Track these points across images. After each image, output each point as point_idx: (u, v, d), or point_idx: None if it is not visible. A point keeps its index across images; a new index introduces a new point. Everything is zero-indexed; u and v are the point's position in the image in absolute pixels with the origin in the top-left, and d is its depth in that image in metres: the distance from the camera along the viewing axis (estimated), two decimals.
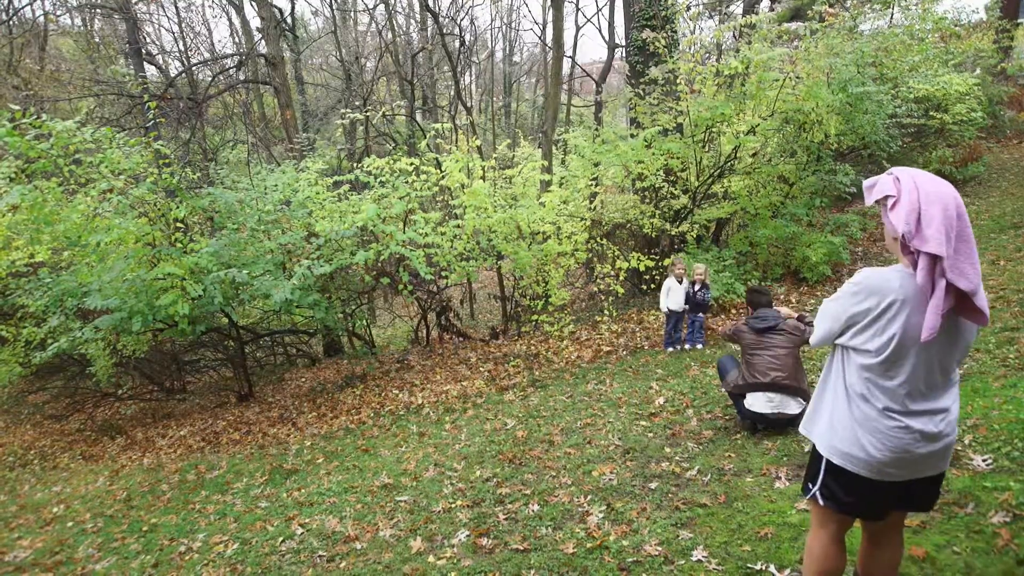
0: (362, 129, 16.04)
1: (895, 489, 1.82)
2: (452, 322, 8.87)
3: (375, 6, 18.22)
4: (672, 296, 6.13)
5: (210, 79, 14.55)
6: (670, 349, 6.27)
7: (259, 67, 15.49)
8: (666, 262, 6.97)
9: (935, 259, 1.61)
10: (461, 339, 8.68)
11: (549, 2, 20.25)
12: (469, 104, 19.27)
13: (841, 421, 1.82)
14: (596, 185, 8.66)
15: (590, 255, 7.93)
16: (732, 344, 4.73)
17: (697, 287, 6.13)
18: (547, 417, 4.94)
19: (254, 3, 12.87)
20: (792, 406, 3.69)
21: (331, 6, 18.29)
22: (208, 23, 35.38)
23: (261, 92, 18.14)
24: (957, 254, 1.60)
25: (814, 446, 1.92)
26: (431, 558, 3.09)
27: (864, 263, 7.81)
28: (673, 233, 7.65)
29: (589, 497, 3.41)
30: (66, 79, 14.65)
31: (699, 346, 6.19)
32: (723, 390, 4.21)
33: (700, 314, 6.20)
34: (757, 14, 8.04)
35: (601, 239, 7.85)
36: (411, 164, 7.69)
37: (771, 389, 3.69)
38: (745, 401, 3.80)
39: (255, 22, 15.30)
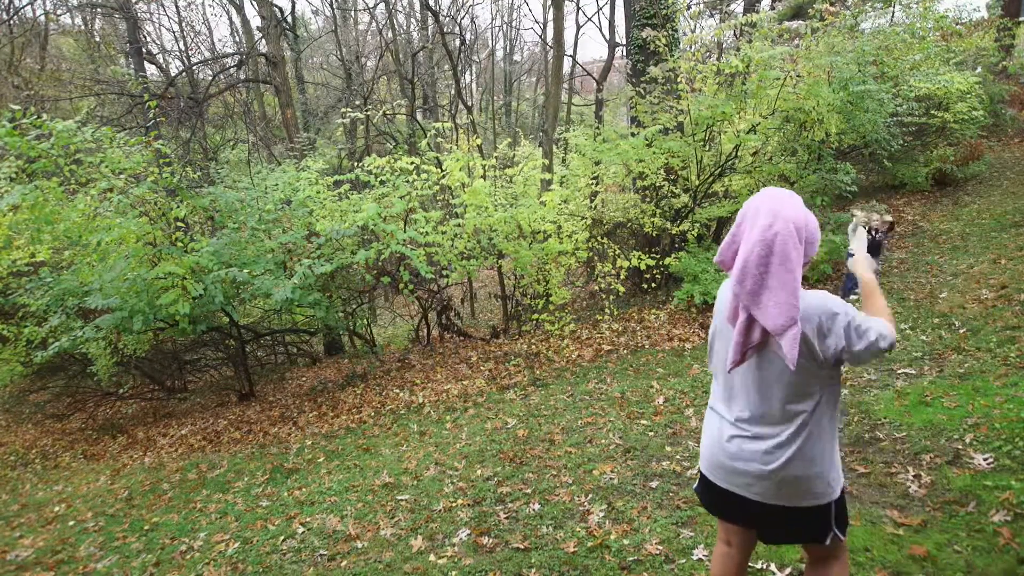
0: (363, 128, 16.03)
1: (731, 499, 1.76)
2: (453, 321, 8.87)
3: (375, 5, 18.20)
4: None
5: (210, 78, 14.55)
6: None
7: (259, 66, 15.48)
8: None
9: (736, 292, 1.61)
10: (462, 338, 8.68)
11: (550, 1, 20.21)
12: (470, 103, 19.27)
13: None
14: (597, 184, 8.65)
15: (591, 254, 7.92)
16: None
17: (876, 233, 6.17)
18: (548, 416, 4.94)
19: (254, 2, 12.88)
20: None
21: (331, 5, 18.28)
22: (208, 22, 35.41)
23: (262, 91, 18.14)
24: (759, 290, 1.55)
25: None
26: (432, 557, 3.10)
27: None
28: (674, 232, 7.65)
29: (590, 496, 3.41)
30: (67, 78, 14.65)
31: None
32: None
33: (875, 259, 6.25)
34: (758, 12, 8.03)
35: (602, 238, 7.84)
36: (412, 163, 7.69)
37: None
38: None
39: (255, 21, 15.32)
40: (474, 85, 27.70)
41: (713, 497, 1.84)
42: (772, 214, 1.57)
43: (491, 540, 3.15)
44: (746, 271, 1.56)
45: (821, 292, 1.62)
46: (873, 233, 6.00)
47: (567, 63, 19.97)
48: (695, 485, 1.94)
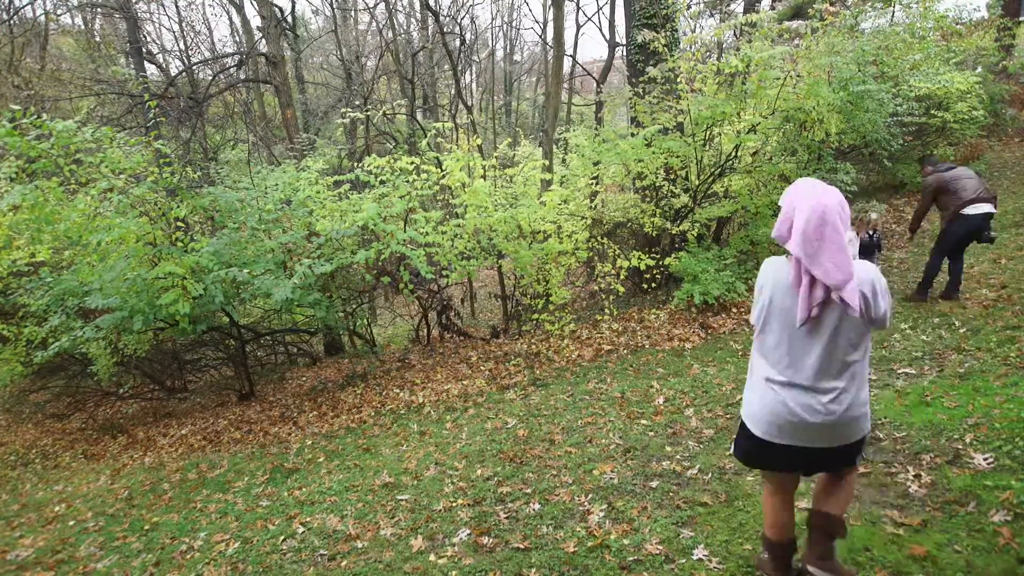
0: (363, 128, 16.03)
1: (794, 453, 2.08)
2: (453, 321, 8.87)
3: (375, 5, 18.19)
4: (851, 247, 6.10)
5: (210, 78, 14.54)
6: None
7: (260, 66, 15.48)
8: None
9: (799, 257, 1.91)
10: (462, 338, 8.68)
11: (550, 1, 20.20)
12: (470, 103, 19.26)
13: (750, 386, 2.18)
14: (596, 184, 8.65)
15: (591, 254, 7.92)
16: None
17: (873, 234, 6.09)
18: (548, 416, 4.94)
19: (254, 2, 12.88)
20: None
21: (331, 5, 18.28)
22: (208, 22, 35.41)
23: (262, 91, 18.14)
24: (818, 253, 1.86)
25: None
26: (432, 557, 3.10)
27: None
28: (674, 232, 7.64)
29: (590, 496, 3.41)
30: (67, 78, 14.65)
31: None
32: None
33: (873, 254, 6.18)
34: (758, 12, 8.03)
35: (602, 238, 7.84)
36: (412, 163, 7.68)
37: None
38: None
39: (255, 21, 15.32)
40: (474, 85, 27.70)
41: (773, 456, 2.12)
42: (818, 193, 1.92)
43: (491, 540, 3.15)
44: (807, 237, 1.87)
45: (863, 261, 1.96)
46: (870, 233, 5.99)
47: (567, 63, 19.97)
48: (736, 452, 2.26)
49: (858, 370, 1.98)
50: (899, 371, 4.44)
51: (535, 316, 7.50)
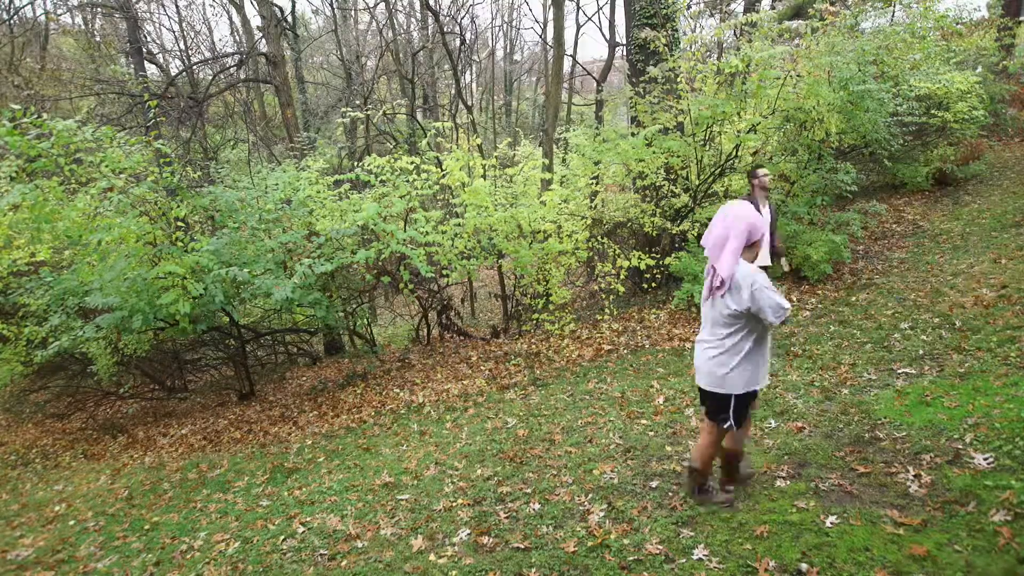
0: (363, 128, 16.03)
1: (701, 390, 2.99)
2: (453, 321, 8.87)
3: (375, 5, 18.18)
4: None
5: (211, 78, 14.54)
6: None
7: (260, 66, 15.48)
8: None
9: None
10: (462, 338, 8.68)
11: (550, 1, 20.22)
12: (470, 103, 19.25)
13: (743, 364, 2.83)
14: (597, 184, 8.64)
15: (591, 254, 7.91)
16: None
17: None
18: (548, 416, 4.94)
19: (254, 2, 12.88)
20: None
21: (331, 5, 18.28)
22: (208, 22, 35.44)
23: (262, 91, 18.14)
24: (719, 255, 2.72)
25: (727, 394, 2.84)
26: (432, 556, 3.10)
27: (865, 261, 7.81)
28: (674, 232, 7.64)
29: (590, 496, 3.41)
30: (67, 78, 14.65)
31: None
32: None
33: None
34: (758, 12, 8.03)
35: (602, 238, 7.83)
36: (412, 163, 7.69)
37: None
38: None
39: (255, 21, 15.31)
40: (474, 85, 27.70)
41: (699, 393, 3.00)
42: (726, 214, 2.73)
43: (491, 540, 3.15)
44: (714, 245, 2.74)
45: (752, 266, 2.70)
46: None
47: (567, 63, 19.96)
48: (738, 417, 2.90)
49: (728, 341, 2.76)
50: (899, 371, 4.44)
51: (535, 316, 7.50)
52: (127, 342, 8.10)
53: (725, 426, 2.84)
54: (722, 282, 2.66)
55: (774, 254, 5.87)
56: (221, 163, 12.70)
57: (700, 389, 2.93)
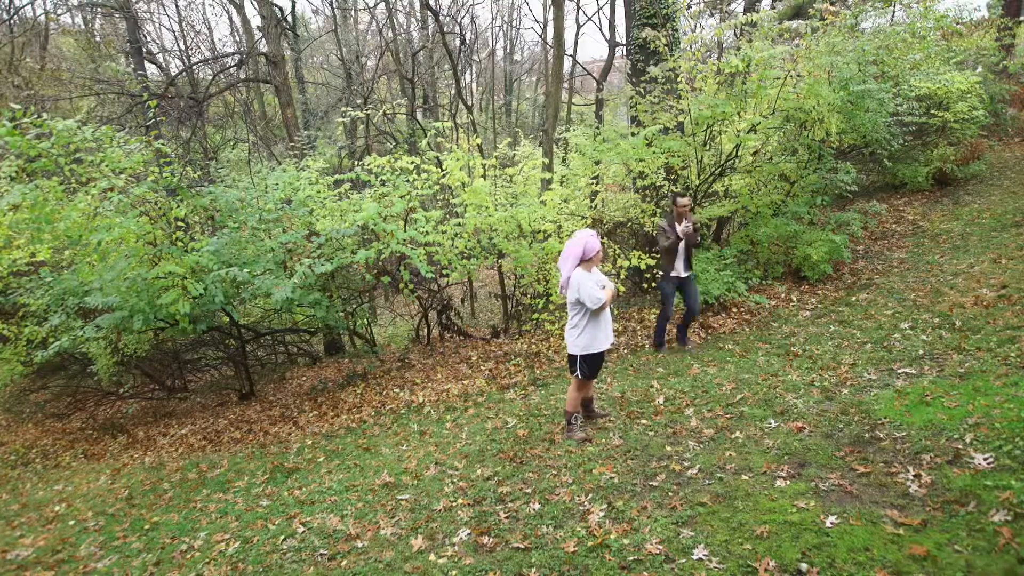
0: (363, 128, 16.04)
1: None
2: (453, 321, 8.87)
3: (375, 5, 18.18)
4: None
5: (211, 78, 14.54)
6: None
7: (260, 66, 15.47)
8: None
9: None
10: (462, 338, 8.68)
11: (550, 1, 20.22)
12: (470, 102, 19.26)
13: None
14: (597, 183, 8.64)
15: None
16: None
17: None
18: (548, 416, 4.94)
19: (254, 2, 12.88)
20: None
21: (332, 5, 18.28)
22: (208, 22, 35.46)
23: (262, 91, 18.14)
24: (564, 265, 3.99)
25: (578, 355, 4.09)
26: (432, 556, 3.10)
27: (865, 261, 7.81)
28: None
29: (590, 496, 3.41)
30: (67, 78, 14.65)
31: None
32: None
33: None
34: (758, 12, 8.02)
35: (602, 237, 7.82)
36: (412, 163, 7.68)
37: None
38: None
39: (256, 21, 15.31)
40: (474, 85, 27.69)
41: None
42: (573, 238, 4.00)
43: (491, 539, 3.15)
44: (563, 258, 3.98)
45: (585, 273, 3.93)
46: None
47: (567, 63, 19.96)
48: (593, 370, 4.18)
49: (578, 320, 4.01)
50: (899, 371, 4.44)
51: (535, 316, 7.50)
52: (127, 342, 8.10)
53: (580, 377, 4.11)
54: (563, 283, 3.98)
55: (689, 264, 6.01)
56: (221, 163, 12.71)
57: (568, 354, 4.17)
